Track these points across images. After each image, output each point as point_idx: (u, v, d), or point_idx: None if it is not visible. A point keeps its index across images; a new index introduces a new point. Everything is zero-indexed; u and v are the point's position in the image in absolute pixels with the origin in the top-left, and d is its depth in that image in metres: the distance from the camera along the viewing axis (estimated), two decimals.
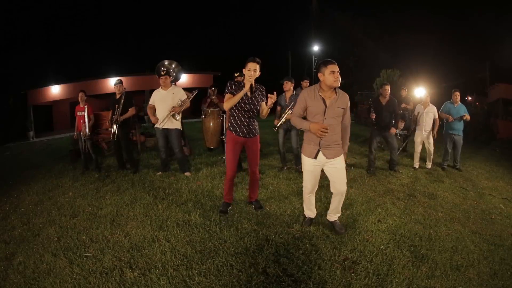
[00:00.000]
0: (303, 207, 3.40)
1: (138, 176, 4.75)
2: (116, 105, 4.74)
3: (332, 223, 2.93)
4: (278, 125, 4.64)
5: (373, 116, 4.94)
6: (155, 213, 3.29)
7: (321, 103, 2.61)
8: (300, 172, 4.80)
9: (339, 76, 2.55)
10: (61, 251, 2.62)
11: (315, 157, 2.69)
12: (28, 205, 3.84)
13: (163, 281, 2.16)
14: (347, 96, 2.69)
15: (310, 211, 3.06)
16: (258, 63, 2.93)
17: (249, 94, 3.01)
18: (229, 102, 2.99)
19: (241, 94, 2.94)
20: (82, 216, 3.33)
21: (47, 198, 4.05)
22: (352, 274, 2.27)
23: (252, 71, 2.92)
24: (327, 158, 2.67)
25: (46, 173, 5.57)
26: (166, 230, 2.90)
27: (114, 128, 4.70)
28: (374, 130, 5.03)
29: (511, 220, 3.58)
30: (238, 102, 3.00)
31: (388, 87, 4.96)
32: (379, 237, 2.82)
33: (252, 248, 2.56)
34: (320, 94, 2.62)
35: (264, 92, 3.13)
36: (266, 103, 3.01)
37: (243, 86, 3.01)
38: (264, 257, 2.44)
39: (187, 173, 4.68)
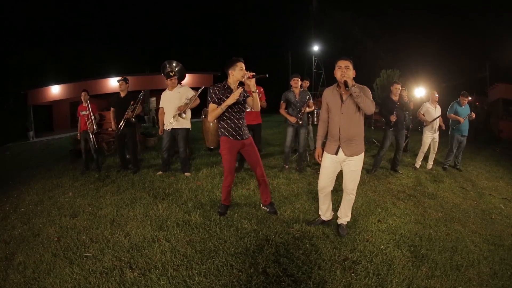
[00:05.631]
0: (304, 207, 3.43)
1: (138, 176, 4.75)
2: (132, 102, 4.76)
3: (338, 225, 2.93)
4: (300, 121, 4.59)
5: (394, 118, 4.80)
6: (155, 213, 3.29)
7: (338, 99, 2.68)
8: (300, 172, 4.80)
9: (346, 71, 2.55)
10: (61, 251, 2.62)
11: (336, 153, 2.72)
12: (28, 205, 3.84)
13: (163, 281, 2.16)
14: (365, 89, 2.63)
15: (321, 211, 3.01)
16: (243, 61, 2.91)
17: (239, 97, 2.92)
18: (214, 113, 2.88)
19: (229, 101, 2.83)
20: (82, 216, 3.33)
21: (47, 198, 4.05)
22: (352, 274, 2.27)
23: (244, 69, 2.88)
24: (346, 155, 2.69)
25: (46, 173, 5.57)
26: (166, 230, 2.90)
27: (122, 123, 4.73)
28: (390, 131, 4.92)
29: (511, 220, 3.58)
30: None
31: (399, 86, 4.90)
32: (379, 237, 2.82)
33: (252, 248, 2.56)
34: (337, 90, 2.69)
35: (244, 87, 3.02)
36: (246, 94, 2.98)
37: (228, 88, 2.93)
38: (264, 257, 2.44)
39: (187, 173, 4.68)
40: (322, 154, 2.85)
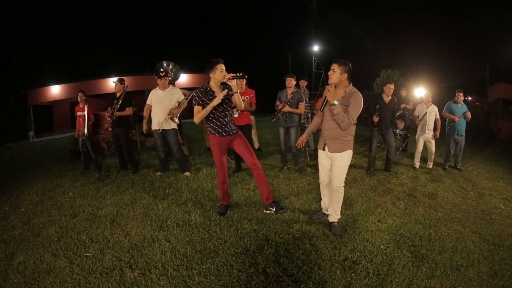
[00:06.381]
0: (304, 207, 3.44)
1: (138, 176, 4.75)
2: (115, 101, 4.77)
3: (330, 224, 2.94)
4: (274, 118, 4.67)
5: (377, 119, 4.85)
6: (155, 213, 3.29)
7: None
8: (300, 172, 4.80)
9: (331, 74, 2.70)
10: (61, 251, 2.62)
11: (324, 149, 2.87)
12: (28, 205, 3.84)
13: (163, 281, 2.16)
14: (355, 96, 2.66)
15: (323, 203, 3.17)
16: (223, 62, 2.95)
17: (221, 97, 2.97)
18: (199, 115, 2.94)
19: (214, 103, 2.89)
20: (82, 216, 3.33)
21: (47, 198, 4.05)
22: (352, 274, 2.27)
23: (224, 71, 2.92)
24: (329, 151, 2.80)
25: (46, 173, 5.57)
26: (166, 230, 2.90)
27: (109, 120, 4.76)
28: (375, 130, 4.98)
29: (511, 220, 3.58)
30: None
31: (392, 86, 4.89)
32: (379, 237, 2.82)
33: (252, 248, 2.56)
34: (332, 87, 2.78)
35: (229, 87, 3.09)
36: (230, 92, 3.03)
37: (210, 91, 2.97)
38: (264, 257, 2.44)
39: (187, 173, 4.68)
40: (304, 141, 3.05)
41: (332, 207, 2.91)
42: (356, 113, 2.66)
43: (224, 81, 2.94)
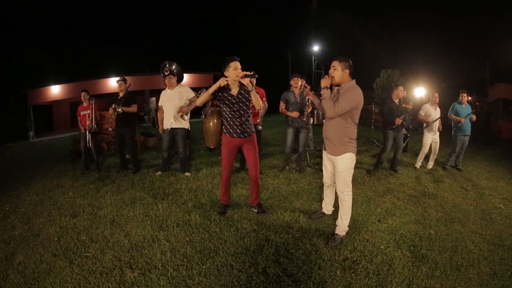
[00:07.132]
0: (304, 207, 3.44)
1: (138, 176, 4.75)
2: (119, 98, 4.80)
3: (332, 234, 2.78)
4: (306, 125, 4.57)
5: (400, 122, 4.80)
6: (155, 213, 3.29)
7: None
8: (300, 172, 4.80)
9: (332, 72, 2.70)
10: (61, 251, 2.62)
11: (325, 149, 2.88)
12: (28, 205, 3.84)
13: (163, 281, 2.16)
14: (351, 90, 2.60)
15: (324, 203, 3.18)
16: (239, 60, 2.90)
17: (234, 93, 2.96)
18: (201, 97, 2.95)
19: (215, 86, 2.87)
20: (82, 216, 3.33)
21: (47, 198, 4.05)
22: (352, 274, 2.27)
23: (238, 69, 2.85)
24: (328, 152, 2.81)
25: (46, 173, 5.57)
26: (166, 230, 2.90)
27: (113, 115, 4.75)
28: (390, 132, 4.91)
29: (511, 220, 3.58)
30: (226, 104, 2.96)
31: (403, 89, 4.93)
32: (379, 237, 2.82)
33: (252, 248, 2.56)
34: (334, 87, 2.83)
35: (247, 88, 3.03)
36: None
37: (226, 87, 2.96)
38: (264, 257, 2.44)
39: (187, 173, 4.68)
40: None
41: (340, 216, 2.74)
42: (345, 104, 2.55)
43: (237, 79, 2.86)
